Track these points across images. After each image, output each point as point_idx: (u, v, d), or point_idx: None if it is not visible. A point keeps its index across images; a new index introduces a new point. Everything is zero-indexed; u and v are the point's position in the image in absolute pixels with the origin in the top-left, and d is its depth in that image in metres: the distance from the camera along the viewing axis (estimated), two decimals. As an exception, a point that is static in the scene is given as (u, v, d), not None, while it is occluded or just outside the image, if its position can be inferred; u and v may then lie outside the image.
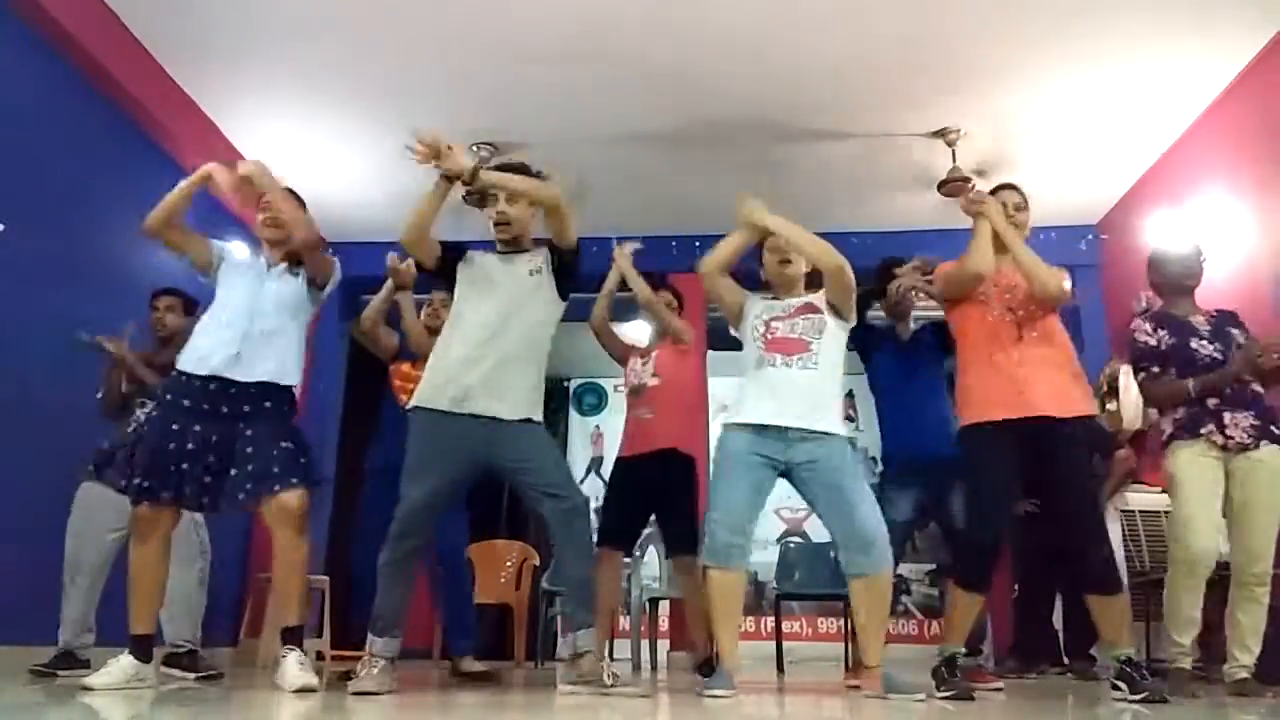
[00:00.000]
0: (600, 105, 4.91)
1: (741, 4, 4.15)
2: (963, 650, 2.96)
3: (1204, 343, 3.28)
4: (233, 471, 2.76)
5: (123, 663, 2.66)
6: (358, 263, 6.72)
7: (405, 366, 3.86)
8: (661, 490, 3.78)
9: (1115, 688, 2.81)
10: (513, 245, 3.00)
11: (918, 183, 5.56)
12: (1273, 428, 3.19)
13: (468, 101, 4.94)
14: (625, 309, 4.17)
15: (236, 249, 3.13)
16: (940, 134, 5.10)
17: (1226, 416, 3.18)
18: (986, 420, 2.91)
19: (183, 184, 2.98)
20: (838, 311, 2.99)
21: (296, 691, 2.60)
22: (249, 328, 2.88)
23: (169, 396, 2.83)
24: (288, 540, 2.78)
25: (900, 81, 4.69)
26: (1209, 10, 4.09)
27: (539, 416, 2.89)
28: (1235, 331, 3.32)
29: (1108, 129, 5.03)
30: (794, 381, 2.89)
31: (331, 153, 5.40)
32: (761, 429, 2.87)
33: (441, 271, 2.96)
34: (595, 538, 3.83)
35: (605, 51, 4.49)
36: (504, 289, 2.90)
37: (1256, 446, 3.16)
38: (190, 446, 2.75)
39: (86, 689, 2.56)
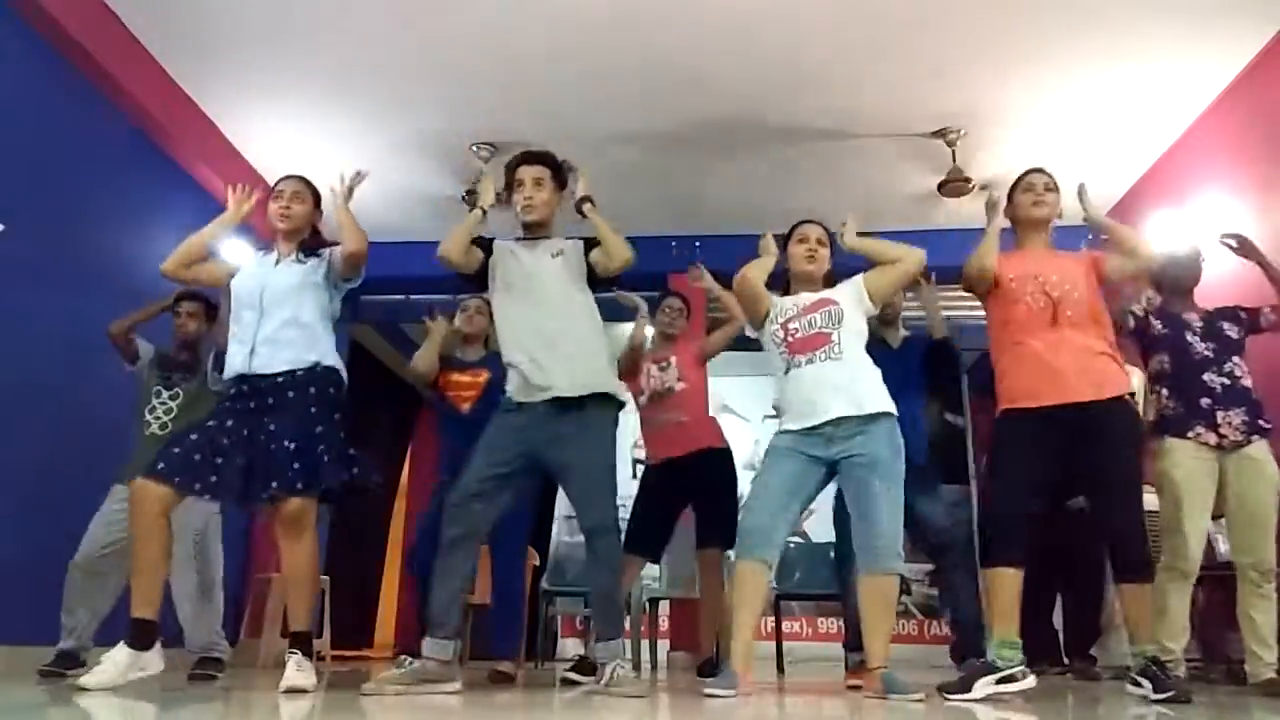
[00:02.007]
0: (600, 105, 4.91)
1: (741, 3, 4.15)
2: (1015, 640, 2.83)
3: (1197, 339, 3.34)
4: (256, 467, 2.77)
5: (117, 657, 2.58)
6: (357, 263, 6.77)
7: (454, 375, 3.88)
8: (704, 485, 3.79)
9: (1135, 683, 2.77)
10: (537, 230, 3.06)
11: (918, 183, 5.56)
12: (1260, 421, 3.21)
13: (467, 101, 4.94)
14: (624, 309, 4.15)
15: (245, 256, 3.13)
16: (940, 134, 5.10)
17: (1219, 415, 3.20)
18: (1018, 407, 2.91)
19: (205, 231, 3.03)
20: (870, 297, 3.05)
21: (285, 692, 2.58)
22: (259, 326, 2.89)
23: (223, 403, 2.90)
24: (288, 545, 2.78)
25: (900, 81, 4.69)
26: (1209, 11, 4.09)
27: (607, 386, 2.91)
28: (1226, 325, 3.35)
29: (1108, 129, 5.03)
30: (825, 376, 2.90)
31: (331, 153, 5.39)
32: (807, 430, 2.89)
33: (479, 274, 3.05)
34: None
35: (606, 51, 4.48)
36: (532, 278, 2.96)
37: (1248, 442, 3.18)
38: (226, 441, 2.76)
39: (81, 689, 2.51)
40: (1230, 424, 3.19)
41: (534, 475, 2.99)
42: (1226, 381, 3.25)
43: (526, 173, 3.03)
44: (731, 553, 3.02)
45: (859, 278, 3.08)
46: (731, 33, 4.34)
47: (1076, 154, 5.28)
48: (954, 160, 5.17)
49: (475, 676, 3.93)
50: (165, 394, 3.76)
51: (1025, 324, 2.96)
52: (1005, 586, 2.84)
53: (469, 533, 2.80)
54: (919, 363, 3.76)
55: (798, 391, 2.93)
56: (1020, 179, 3.25)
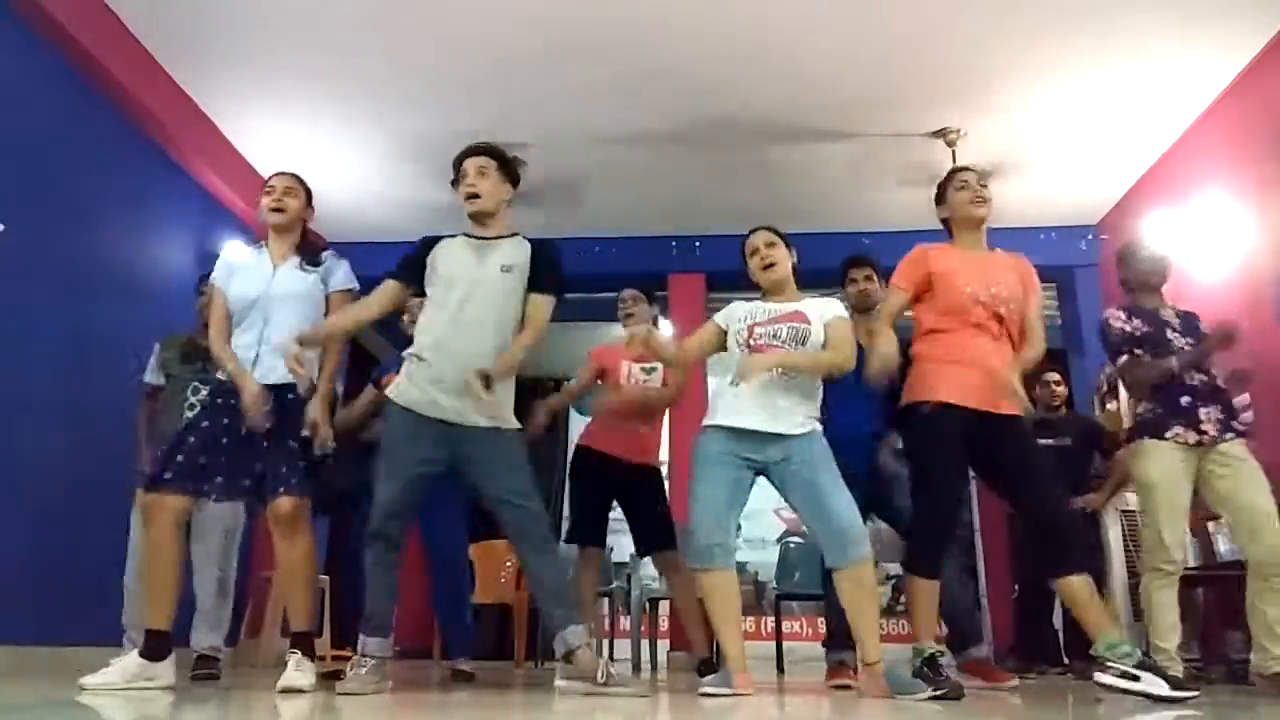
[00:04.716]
0: (600, 105, 4.91)
1: (741, 4, 4.15)
2: (940, 648, 2.90)
3: (1178, 334, 3.34)
4: (257, 467, 2.79)
5: (125, 663, 2.63)
6: (357, 263, 6.75)
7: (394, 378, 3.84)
8: (636, 498, 3.78)
9: (1129, 677, 2.64)
10: (485, 221, 3.00)
11: (918, 183, 5.56)
12: (1234, 423, 3.24)
13: (467, 102, 4.94)
14: (605, 309, 4.13)
15: (234, 252, 3.11)
16: (940, 134, 5.10)
17: (1201, 412, 3.22)
18: (945, 400, 2.87)
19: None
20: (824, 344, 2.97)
21: (281, 691, 2.59)
22: (264, 330, 2.88)
23: (218, 400, 2.87)
24: (283, 545, 2.79)
25: (900, 81, 4.69)
26: (1209, 10, 4.09)
27: (509, 421, 2.87)
28: (1200, 325, 3.39)
29: (1108, 129, 5.03)
30: (775, 387, 2.88)
31: (331, 153, 5.40)
32: (737, 431, 2.88)
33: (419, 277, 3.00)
34: (565, 535, 3.86)
35: (605, 51, 4.49)
36: (472, 288, 2.87)
37: (1223, 439, 3.20)
38: (224, 440, 2.78)
39: (82, 688, 2.53)
40: (1211, 419, 3.21)
41: (449, 470, 2.91)
42: (1205, 378, 3.28)
43: (470, 164, 2.99)
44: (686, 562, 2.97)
45: (835, 322, 2.96)
46: (731, 33, 4.33)
47: (1077, 154, 5.29)
48: (954, 160, 5.17)
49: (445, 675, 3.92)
50: (204, 390, 3.62)
51: (971, 329, 2.93)
52: (929, 595, 2.89)
53: (397, 543, 2.82)
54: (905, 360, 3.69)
55: (743, 393, 2.89)
56: (953, 175, 3.18)
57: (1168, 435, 3.21)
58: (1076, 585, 2.77)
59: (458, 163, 3.04)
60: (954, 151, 5.15)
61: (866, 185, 5.68)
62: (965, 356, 2.92)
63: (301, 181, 3.12)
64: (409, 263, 2.98)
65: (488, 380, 2.72)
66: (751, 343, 2.94)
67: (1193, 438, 3.19)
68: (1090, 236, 5.98)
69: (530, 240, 3.01)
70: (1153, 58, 4.44)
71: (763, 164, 5.46)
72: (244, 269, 3.00)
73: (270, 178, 3.11)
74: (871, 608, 2.81)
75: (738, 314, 3.05)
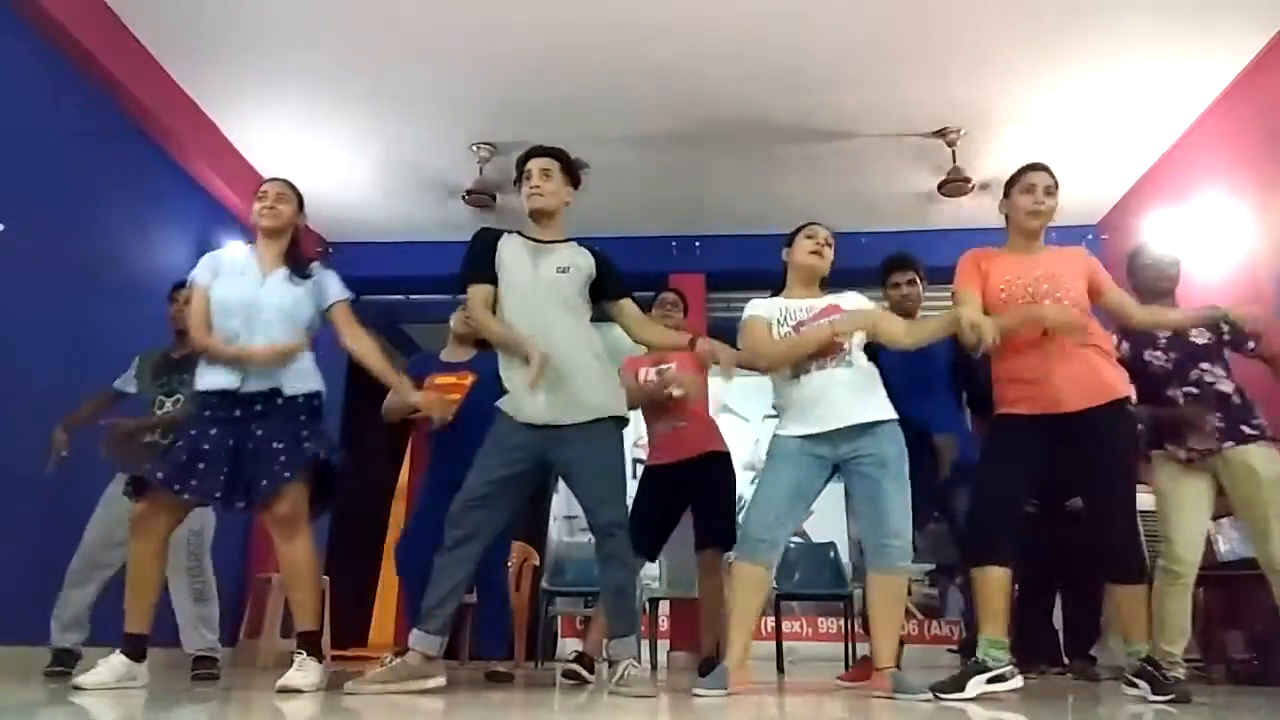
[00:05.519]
0: (600, 105, 4.91)
1: (741, 4, 4.15)
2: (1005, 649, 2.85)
3: (1158, 353, 3.29)
4: (244, 470, 2.78)
5: (113, 662, 2.66)
6: (357, 263, 6.78)
7: (439, 379, 3.86)
8: (704, 489, 3.77)
9: (1131, 684, 2.80)
10: (545, 222, 3.05)
11: (918, 183, 5.56)
12: (1243, 427, 3.14)
13: (468, 102, 4.94)
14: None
15: (222, 252, 3.09)
16: (940, 134, 5.10)
17: (1184, 428, 3.20)
18: (1010, 412, 2.90)
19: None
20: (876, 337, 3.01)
21: (279, 690, 2.60)
22: (249, 340, 2.86)
23: (203, 412, 2.86)
24: (281, 546, 2.80)
25: (900, 81, 4.69)
26: (1209, 10, 4.09)
27: (611, 409, 2.93)
28: (1193, 331, 3.27)
29: (1108, 129, 5.03)
30: (835, 382, 2.88)
31: (332, 153, 5.40)
32: (807, 436, 2.88)
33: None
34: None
35: (605, 52, 4.49)
36: (526, 293, 2.95)
37: (1219, 450, 3.14)
38: (206, 448, 2.76)
39: (78, 688, 2.56)
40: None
41: (540, 473, 3.00)
42: (1194, 390, 3.21)
43: (535, 164, 3.06)
44: (731, 554, 3.00)
45: (874, 311, 3.01)
46: (731, 33, 4.34)
47: (1077, 154, 5.28)
48: (954, 160, 5.17)
49: (474, 676, 3.93)
50: (168, 402, 3.67)
51: (1015, 333, 2.89)
52: (994, 586, 2.83)
53: (471, 535, 2.81)
54: (947, 364, 3.65)
55: (806, 397, 2.90)
56: (1020, 175, 3.12)
57: (1166, 447, 3.23)
58: (1127, 594, 2.82)
59: (521, 163, 3.09)
60: (954, 151, 5.15)
61: (866, 185, 5.68)
62: (1019, 364, 2.89)
63: (293, 187, 3.11)
64: (481, 260, 3.01)
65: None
66: None
67: (1181, 454, 3.19)
68: (1090, 236, 5.97)
69: (589, 248, 3.07)
70: (1153, 58, 4.44)
71: (763, 164, 5.46)
72: (230, 271, 2.98)
73: (263, 183, 3.10)
74: (894, 616, 2.85)
75: (772, 313, 3.02)
